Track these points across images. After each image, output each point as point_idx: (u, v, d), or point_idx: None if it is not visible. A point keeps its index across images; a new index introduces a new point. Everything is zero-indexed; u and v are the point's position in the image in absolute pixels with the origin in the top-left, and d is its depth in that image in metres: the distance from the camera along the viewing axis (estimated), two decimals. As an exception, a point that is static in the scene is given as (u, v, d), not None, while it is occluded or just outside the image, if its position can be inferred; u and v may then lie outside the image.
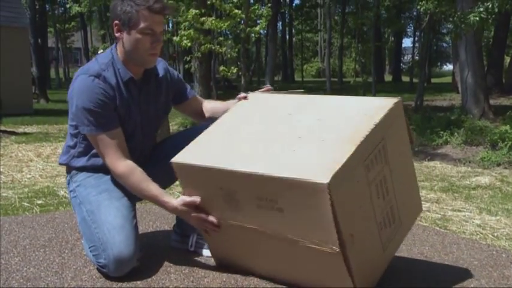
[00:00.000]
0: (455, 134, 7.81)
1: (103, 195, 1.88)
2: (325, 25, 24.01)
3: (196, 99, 2.18)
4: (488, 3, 7.14)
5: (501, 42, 15.19)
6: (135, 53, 1.84)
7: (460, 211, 3.61)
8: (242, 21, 9.59)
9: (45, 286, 1.75)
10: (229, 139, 1.75)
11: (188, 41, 9.75)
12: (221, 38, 13.14)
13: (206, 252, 2.03)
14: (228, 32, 23.47)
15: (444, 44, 39.97)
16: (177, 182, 1.94)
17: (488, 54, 16.39)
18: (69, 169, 2.02)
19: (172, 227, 2.22)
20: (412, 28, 33.71)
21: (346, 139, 1.52)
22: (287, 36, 33.69)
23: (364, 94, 14.95)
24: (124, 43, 1.85)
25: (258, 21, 10.73)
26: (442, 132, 7.95)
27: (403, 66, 39.41)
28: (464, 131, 7.78)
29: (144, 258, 1.92)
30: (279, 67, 32.89)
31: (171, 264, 1.95)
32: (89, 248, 1.85)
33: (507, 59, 19.78)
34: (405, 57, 43.39)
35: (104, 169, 1.89)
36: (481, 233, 3.00)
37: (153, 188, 1.80)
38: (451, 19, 9.29)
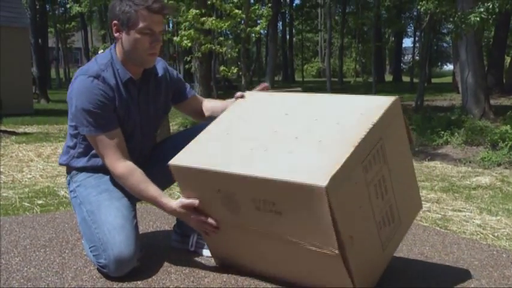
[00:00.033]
0: (456, 134, 7.81)
1: (103, 196, 1.88)
2: (326, 25, 23.99)
3: (195, 98, 2.17)
4: (488, 4, 7.14)
5: (501, 42, 15.19)
6: (134, 52, 1.84)
7: (460, 211, 3.61)
8: (242, 21, 9.60)
9: (46, 286, 1.75)
10: (226, 140, 1.74)
11: (188, 41, 9.76)
12: (221, 38, 13.15)
13: (206, 252, 2.03)
14: (229, 32, 23.49)
15: (444, 44, 39.97)
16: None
17: (489, 54, 16.39)
18: (69, 169, 2.02)
19: (172, 227, 2.22)
20: (413, 28, 33.72)
21: (343, 140, 1.51)
22: (287, 36, 33.69)
23: (364, 94, 14.92)
24: (123, 43, 1.85)
25: (259, 21, 10.73)
26: (442, 132, 7.95)
27: (404, 66, 39.40)
28: (464, 131, 7.78)
29: (145, 258, 1.91)
30: (279, 67, 32.88)
31: (172, 264, 1.95)
32: (89, 248, 1.85)
33: (507, 59, 19.78)
34: (405, 57, 43.38)
35: (104, 169, 1.89)
36: (482, 233, 3.00)
37: (151, 189, 1.80)
38: (451, 19, 9.29)
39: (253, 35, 10.37)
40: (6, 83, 11.51)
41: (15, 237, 2.31)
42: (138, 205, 2.04)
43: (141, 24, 1.79)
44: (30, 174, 4.73)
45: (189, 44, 10.13)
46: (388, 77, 34.18)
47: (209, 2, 9.79)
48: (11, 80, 11.95)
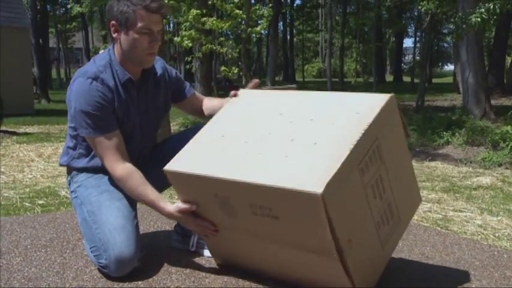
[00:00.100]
0: (457, 134, 7.80)
1: (104, 196, 1.88)
2: (326, 25, 24.00)
3: (195, 97, 2.17)
4: (489, 4, 7.13)
5: (502, 43, 15.18)
6: (133, 52, 1.84)
7: (461, 211, 3.61)
8: (243, 22, 9.60)
9: (47, 286, 1.75)
10: (221, 143, 1.71)
11: (189, 41, 9.76)
12: (222, 38, 13.16)
13: (207, 252, 2.02)
14: (229, 32, 23.52)
15: (445, 44, 39.93)
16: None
17: (490, 55, 16.38)
18: (70, 170, 2.02)
19: (173, 227, 2.22)
20: (413, 28, 33.71)
21: (339, 143, 1.49)
22: (288, 37, 33.69)
23: (365, 94, 14.90)
24: (122, 43, 1.84)
25: (259, 22, 10.74)
26: (443, 133, 7.94)
27: (404, 66, 39.37)
28: (465, 131, 7.77)
29: (145, 259, 1.92)
30: (280, 67, 32.88)
31: (172, 265, 1.95)
32: (90, 248, 1.85)
33: (508, 59, 19.78)
34: (406, 58, 43.35)
35: (104, 170, 1.88)
36: (483, 234, 2.99)
37: (150, 192, 1.79)
38: (452, 19, 9.29)
39: (254, 35, 10.38)
40: (7, 83, 11.51)
41: (16, 237, 2.31)
42: (138, 205, 2.04)
43: (139, 24, 1.78)
44: (31, 175, 4.73)
45: (190, 44, 10.13)
46: (389, 77, 34.17)
47: (210, 2, 9.80)
48: (12, 80, 11.96)
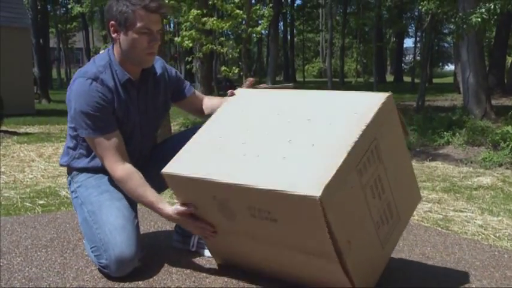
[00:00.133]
0: (457, 134, 7.80)
1: (104, 196, 1.88)
2: (327, 25, 24.00)
3: (195, 96, 2.16)
4: (490, 4, 7.13)
5: (503, 43, 15.18)
6: (132, 52, 1.84)
7: (461, 211, 3.60)
8: (244, 22, 9.60)
9: (47, 286, 1.75)
10: (218, 145, 1.69)
11: (190, 41, 9.76)
12: (223, 39, 13.16)
13: (208, 252, 2.02)
14: (230, 32, 23.52)
15: (446, 44, 39.94)
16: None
17: (490, 55, 16.37)
18: (70, 170, 2.02)
19: (173, 227, 2.22)
20: (414, 28, 33.70)
21: (336, 144, 1.47)
22: (288, 37, 33.70)
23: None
24: (121, 43, 1.84)
25: (260, 22, 10.73)
26: (443, 133, 7.94)
27: (405, 66, 39.36)
28: (466, 131, 7.77)
29: (146, 259, 1.92)
30: (280, 67, 32.88)
31: (173, 265, 1.95)
32: (91, 248, 1.85)
33: (509, 60, 19.77)
34: (407, 58, 43.35)
35: (104, 170, 1.88)
36: (483, 234, 2.99)
37: (149, 194, 1.79)
38: (452, 19, 9.28)
39: (254, 35, 10.38)
40: (8, 83, 11.52)
41: (17, 237, 2.31)
42: (139, 205, 2.04)
43: (138, 24, 1.78)
44: (32, 175, 4.73)
45: (190, 45, 10.13)
46: (390, 78, 34.16)
47: (210, 2, 9.80)
48: (12, 80, 11.97)
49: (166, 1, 7.98)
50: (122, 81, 1.87)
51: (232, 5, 9.50)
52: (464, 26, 7.50)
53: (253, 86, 2.00)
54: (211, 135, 1.75)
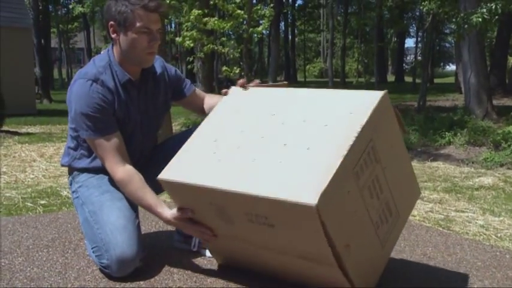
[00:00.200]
0: (458, 134, 7.79)
1: (105, 196, 1.89)
2: (328, 25, 24.02)
3: (195, 95, 2.15)
4: (491, 4, 7.12)
5: (504, 43, 15.16)
6: (132, 52, 1.84)
7: (463, 212, 3.60)
8: (245, 22, 9.60)
9: (49, 286, 1.75)
10: (214, 149, 1.66)
11: (191, 41, 9.77)
12: (224, 39, 13.16)
13: (209, 252, 2.03)
14: (231, 33, 23.53)
15: (447, 44, 39.90)
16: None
17: (491, 55, 16.35)
18: (71, 170, 2.03)
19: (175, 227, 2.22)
20: (415, 28, 33.64)
21: (332, 148, 1.45)
22: (290, 37, 33.70)
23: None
24: (121, 44, 1.84)
25: (261, 22, 10.72)
26: (445, 133, 7.93)
27: (406, 66, 39.31)
28: (467, 131, 7.76)
29: (147, 259, 1.92)
30: (281, 67, 32.86)
31: (174, 265, 1.95)
32: (92, 248, 1.85)
33: (510, 60, 19.75)
34: (408, 58, 43.31)
35: (105, 170, 1.88)
36: (485, 234, 2.99)
37: (149, 197, 1.79)
38: (453, 19, 9.27)
39: (255, 35, 10.37)
40: (9, 83, 11.53)
41: (18, 237, 2.31)
42: (140, 205, 2.04)
43: (138, 24, 1.78)
44: (33, 175, 4.74)
45: (192, 45, 10.13)
46: (391, 77, 34.12)
47: (211, 3, 9.80)
48: (14, 80, 11.98)
49: (168, 1, 7.98)
50: (122, 82, 1.87)
51: (233, 5, 9.50)
52: (466, 26, 7.49)
53: (244, 86, 1.92)
54: (206, 139, 1.72)
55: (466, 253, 2.16)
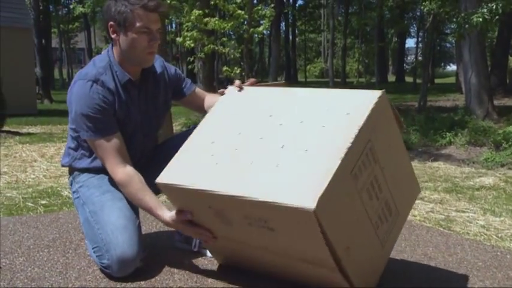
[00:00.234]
0: (459, 134, 7.79)
1: (106, 196, 1.89)
2: (329, 25, 24.01)
3: (195, 94, 2.15)
4: (492, 4, 7.12)
5: (505, 43, 15.14)
6: (132, 52, 1.84)
7: (464, 212, 3.60)
8: (245, 22, 9.60)
9: (50, 286, 1.76)
10: (211, 151, 1.65)
11: (191, 41, 9.76)
12: (224, 39, 13.15)
13: (209, 252, 2.03)
14: (231, 33, 23.51)
15: (448, 45, 39.90)
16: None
17: (492, 55, 16.33)
18: (72, 170, 2.03)
19: (175, 227, 2.22)
20: (416, 28, 33.62)
21: (330, 150, 1.44)
22: (290, 37, 33.68)
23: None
24: (121, 44, 1.84)
25: (261, 22, 10.71)
26: (445, 133, 7.93)
27: (407, 66, 39.32)
28: (468, 131, 7.76)
29: (148, 259, 1.92)
30: (282, 67, 32.84)
31: (175, 265, 1.95)
32: (92, 248, 1.85)
33: (511, 60, 19.73)
34: (408, 58, 43.31)
35: (106, 170, 1.88)
36: (485, 234, 2.99)
37: (148, 199, 1.78)
38: (454, 19, 9.27)
39: (256, 35, 10.37)
40: (10, 83, 11.51)
41: (19, 237, 2.32)
42: (141, 205, 2.04)
43: (137, 24, 1.78)
44: (34, 175, 4.74)
45: (192, 45, 10.13)
46: (391, 78, 34.11)
47: (212, 3, 9.79)
48: (15, 81, 11.97)
49: (168, 1, 7.98)
50: (123, 82, 1.87)
51: (234, 5, 9.49)
52: (466, 26, 7.49)
53: (240, 87, 1.89)
54: (204, 141, 1.71)
55: (466, 253, 2.16)
